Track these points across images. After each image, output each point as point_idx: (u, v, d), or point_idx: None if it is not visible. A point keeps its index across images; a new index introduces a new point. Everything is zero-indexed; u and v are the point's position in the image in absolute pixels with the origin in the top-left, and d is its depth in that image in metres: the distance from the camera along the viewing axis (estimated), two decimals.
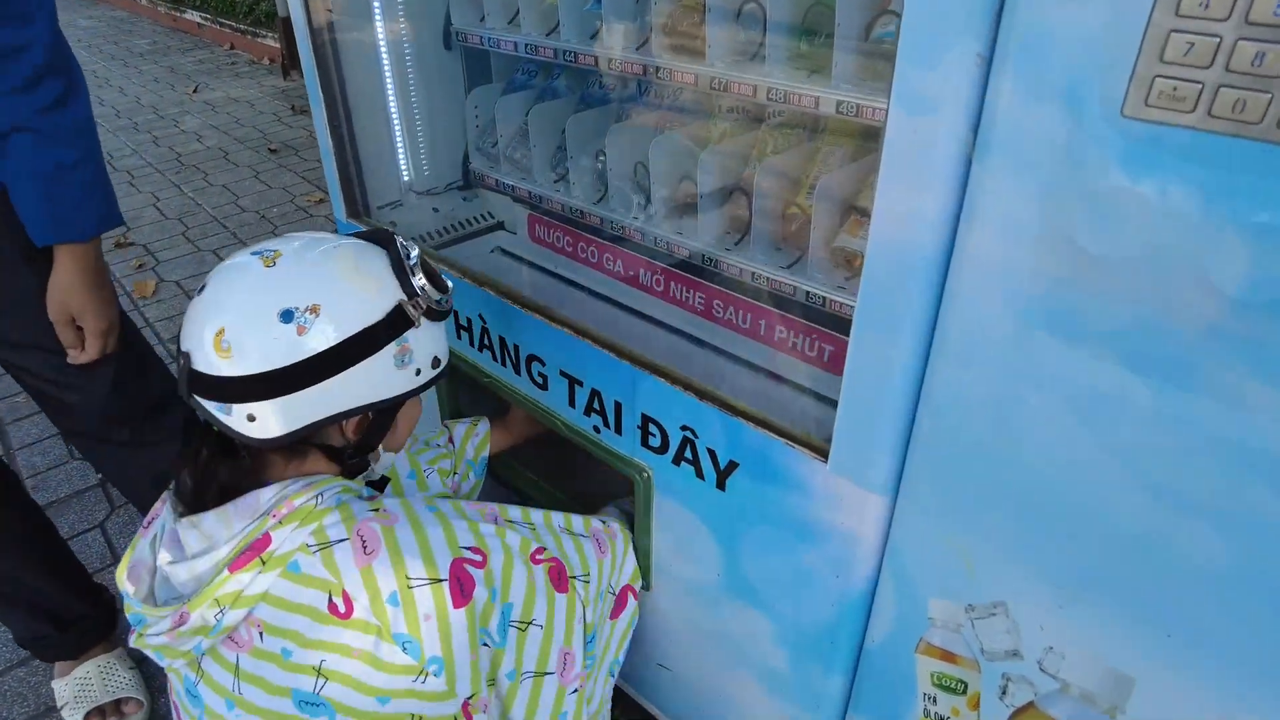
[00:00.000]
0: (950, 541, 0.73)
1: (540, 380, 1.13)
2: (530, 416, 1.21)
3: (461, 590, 0.81)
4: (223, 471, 0.82)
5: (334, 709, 0.81)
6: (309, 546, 0.79)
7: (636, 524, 1.09)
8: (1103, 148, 0.52)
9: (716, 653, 1.08)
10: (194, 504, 0.82)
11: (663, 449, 0.98)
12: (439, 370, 0.89)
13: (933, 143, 0.59)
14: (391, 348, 0.82)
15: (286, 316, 0.77)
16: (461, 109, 1.44)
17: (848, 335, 0.72)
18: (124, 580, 0.85)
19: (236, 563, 0.77)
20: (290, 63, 5.38)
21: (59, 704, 1.46)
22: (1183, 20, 0.46)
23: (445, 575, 0.81)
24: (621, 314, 1.21)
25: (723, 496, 0.94)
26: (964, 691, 0.80)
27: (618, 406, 1.01)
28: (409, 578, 0.80)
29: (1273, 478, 0.53)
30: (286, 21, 4.90)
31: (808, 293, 0.92)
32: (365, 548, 0.80)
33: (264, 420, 0.78)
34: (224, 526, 0.80)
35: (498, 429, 1.27)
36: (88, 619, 1.45)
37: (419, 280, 0.84)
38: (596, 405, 1.05)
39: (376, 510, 0.82)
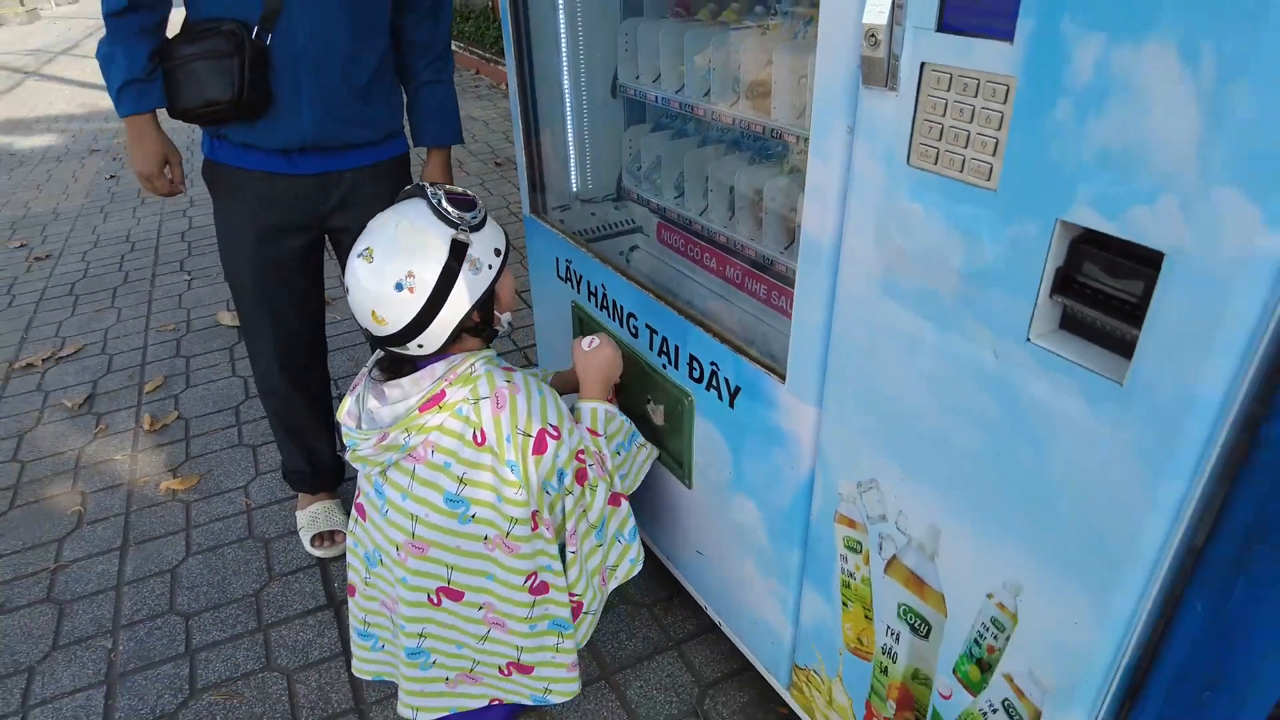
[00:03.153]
0: (848, 438, 1.12)
1: (633, 331, 1.61)
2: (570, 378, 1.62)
3: (538, 448, 1.30)
4: (409, 360, 1.33)
5: (469, 504, 1.32)
6: (467, 400, 1.30)
7: (682, 438, 1.53)
8: (899, 184, 0.91)
9: (731, 540, 1.50)
10: (392, 374, 1.33)
11: (699, 379, 1.43)
12: (503, 255, 1.30)
13: (828, 180, 1.01)
14: (466, 266, 1.23)
15: (398, 288, 1.20)
16: (619, 141, 1.96)
17: None
18: (344, 416, 1.37)
19: (424, 407, 1.29)
20: None
21: (298, 526, 2.13)
22: (926, 117, 0.86)
23: (534, 434, 1.30)
24: (699, 288, 1.67)
25: (732, 413, 1.36)
26: (860, 550, 1.17)
27: (676, 349, 1.47)
28: (516, 427, 1.30)
29: (995, 389, 0.89)
30: None
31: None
32: (498, 403, 1.30)
33: (425, 345, 1.27)
34: (415, 385, 1.30)
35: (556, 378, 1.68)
36: (329, 470, 2.10)
37: (455, 213, 1.23)
38: (664, 348, 1.51)
39: (509, 381, 1.33)
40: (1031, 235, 0.79)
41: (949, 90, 0.83)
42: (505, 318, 1.39)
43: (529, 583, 1.38)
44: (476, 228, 1.26)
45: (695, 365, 1.43)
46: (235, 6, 1.47)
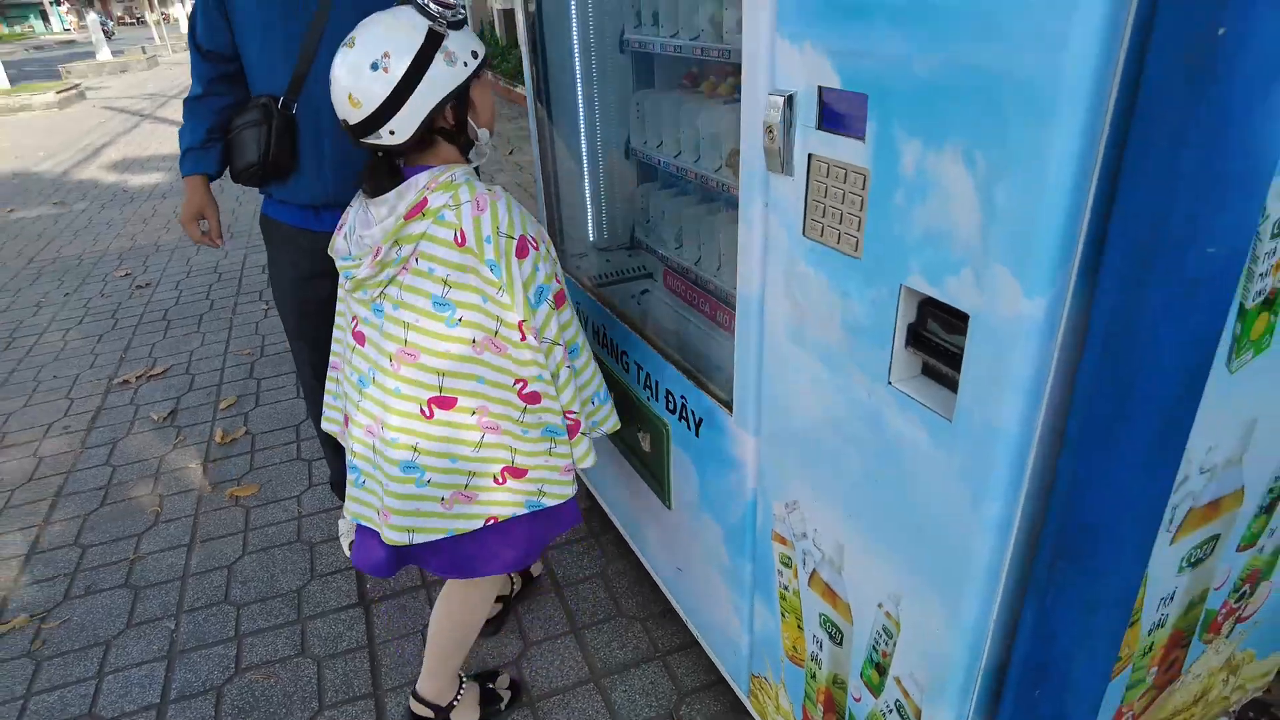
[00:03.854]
0: (778, 464, 1.29)
1: (625, 367, 1.81)
2: None
3: (520, 252, 1.33)
4: (391, 173, 1.34)
5: (455, 306, 1.33)
6: (449, 205, 1.29)
7: (662, 464, 1.71)
8: (797, 251, 1.09)
9: (701, 556, 1.66)
10: (376, 191, 1.33)
11: (673, 411, 1.61)
12: (480, 59, 1.33)
13: (752, 245, 1.19)
14: (440, 55, 1.27)
15: (374, 67, 1.24)
16: (633, 198, 2.18)
17: None
18: (333, 249, 1.41)
19: (409, 214, 1.29)
20: None
21: (339, 533, 2.38)
22: (814, 198, 1.04)
23: (516, 237, 1.32)
24: (695, 330, 1.86)
25: (697, 441, 1.54)
26: (791, 565, 1.33)
27: (656, 384, 1.66)
28: (498, 229, 1.31)
29: (870, 423, 1.05)
30: None
31: None
32: (478, 206, 1.30)
33: (398, 130, 1.28)
34: (398, 197, 1.31)
35: None
36: None
37: (435, 8, 1.27)
38: (647, 382, 1.70)
39: (490, 190, 1.34)
40: (886, 297, 0.96)
41: (828, 177, 1.01)
42: (484, 135, 1.42)
43: (519, 388, 1.40)
44: (454, 25, 1.30)
45: (670, 398, 1.62)
46: (271, 83, 1.76)
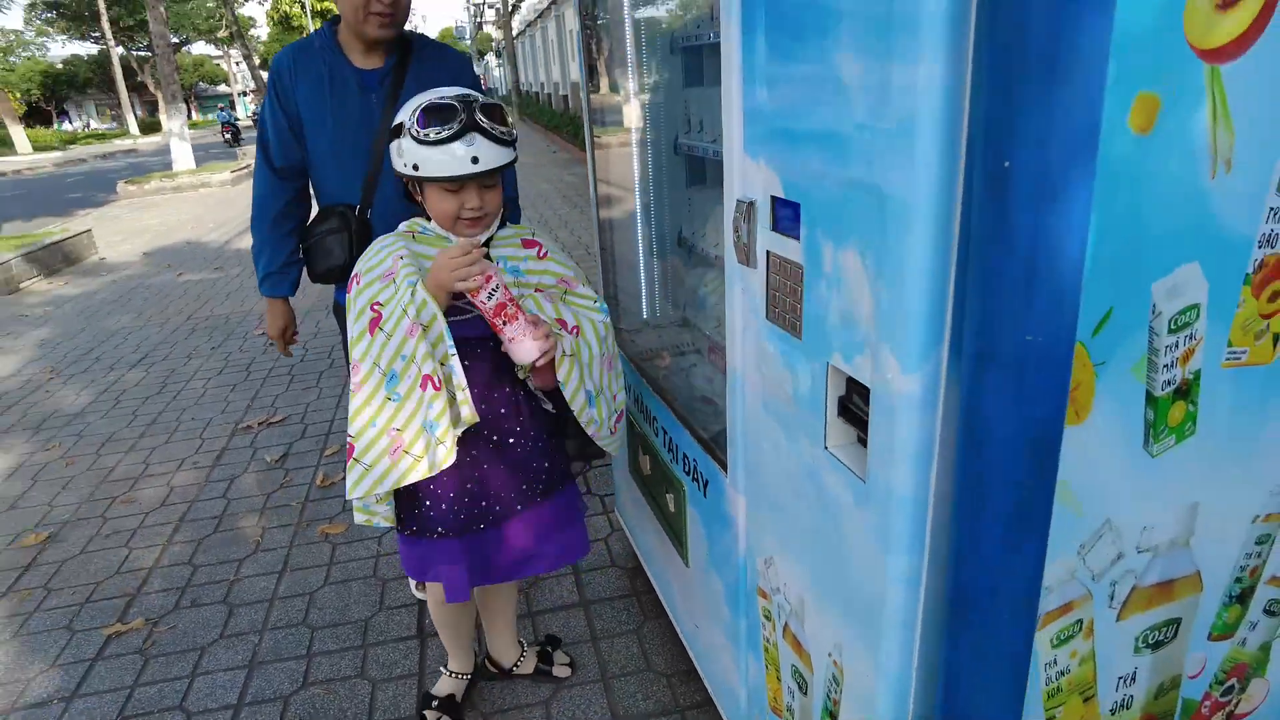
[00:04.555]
0: (758, 521, 1.43)
1: (655, 432, 1.99)
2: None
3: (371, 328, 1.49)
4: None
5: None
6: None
7: (681, 522, 1.86)
8: (762, 332, 1.26)
9: (711, 612, 1.79)
10: None
11: (688, 473, 1.77)
12: (417, 173, 1.45)
13: (734, 325, 1.37)
14: (398, 143, 1.46)
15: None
16: (683, 280, 2.40)
17: None
18: None
19: None
20: None
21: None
22: (772, 287, 1.22)
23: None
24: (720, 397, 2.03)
25: (705, 500, 1.69)
26: (770, 618, 1.45)
27: (676, 446, 1.83)
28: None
29: (814, 483, 1.19)
30: None
31: None
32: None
33: (395, 160, 1.50)
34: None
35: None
36: None
37: (412, 117, 1.43)
38: (669, 445, 1.87)
39: (391, 234, 1.59)
40: (819, 372, 1.12)
41: (780, 270, 1.19)
42: (442, 230, 1.56)
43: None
44: (415, 139, 1.43)
45: (685, 460, 1.78)
46: (345, 195, 1.99)
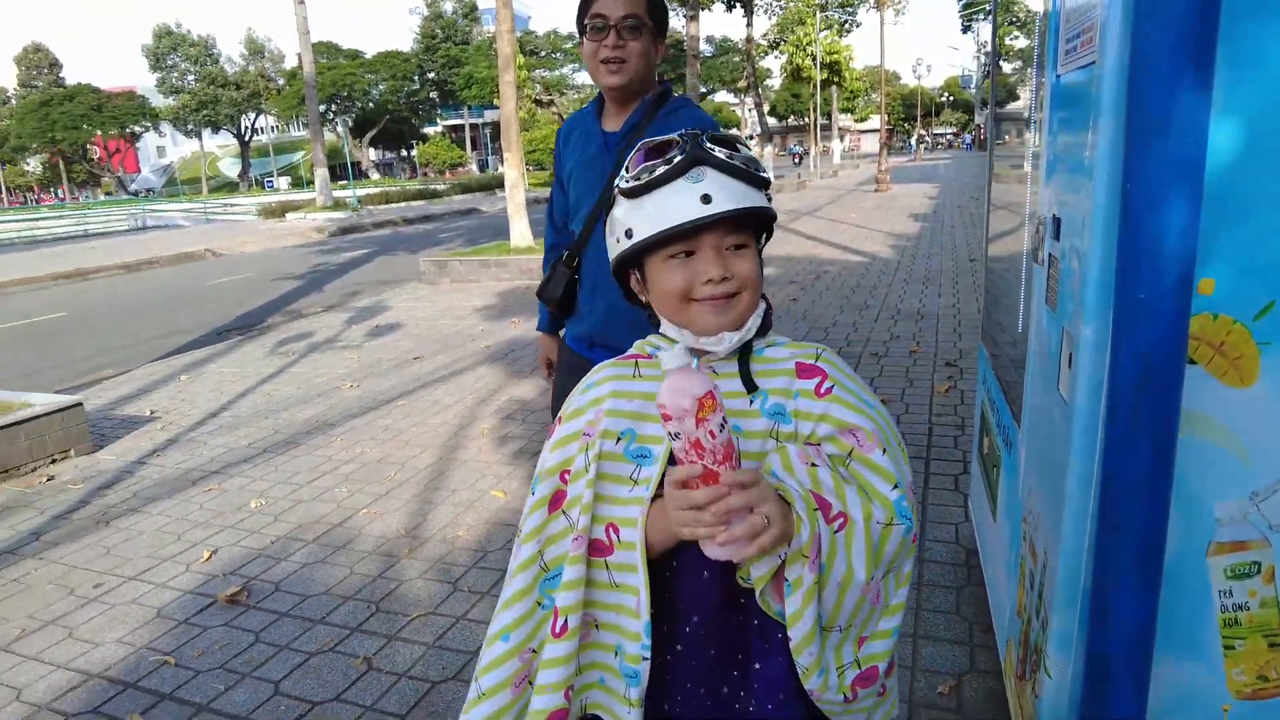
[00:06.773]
0: (1030, 465, 1.89)
1: (993, 410, 2.47)
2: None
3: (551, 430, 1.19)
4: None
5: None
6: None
7: (995, 480, 2.32)
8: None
9: (1001, 557, 2.23)
10: None
11: (1004, 440, 2.24)
12: (631, 240, 1.03)
13: (1029, 310, 1.87)
14: (610, 217, 1.08)
15: None
16: None
17: None
18: None
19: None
20: None
21: None
22: None
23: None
24: None
25: (1009, 457, 2.16)
26: (1025, 539, 1.90)
27: (1003, 423, 2.31)
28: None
29: (1051, 423, 1.66)
30: None
31: None
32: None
33: (609, 242, 1.10)
34: None
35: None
36: None
37: (623, 169, 1.04)
38: (1000, 422, 2.35)
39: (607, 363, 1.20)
40: (1058, 335, 1.61)
41: (1051, 265, 1.69)
42: (678, 334, 1.06)
43: None
44: (628, 193, 1.03)
45: (1004, 429, 2.26)
46: (566, 245, 2.16)
